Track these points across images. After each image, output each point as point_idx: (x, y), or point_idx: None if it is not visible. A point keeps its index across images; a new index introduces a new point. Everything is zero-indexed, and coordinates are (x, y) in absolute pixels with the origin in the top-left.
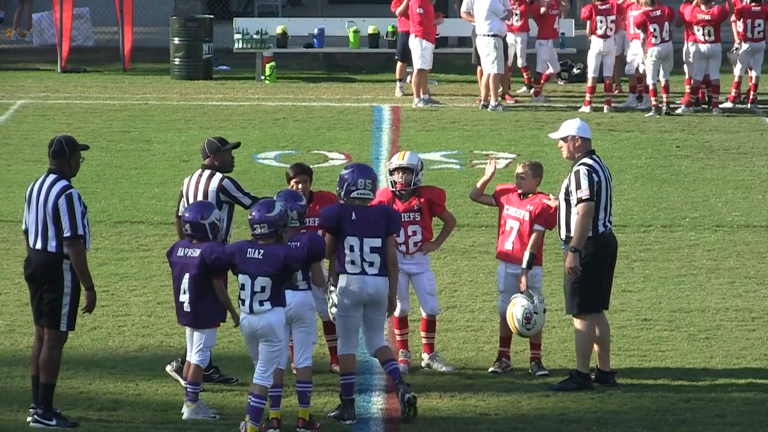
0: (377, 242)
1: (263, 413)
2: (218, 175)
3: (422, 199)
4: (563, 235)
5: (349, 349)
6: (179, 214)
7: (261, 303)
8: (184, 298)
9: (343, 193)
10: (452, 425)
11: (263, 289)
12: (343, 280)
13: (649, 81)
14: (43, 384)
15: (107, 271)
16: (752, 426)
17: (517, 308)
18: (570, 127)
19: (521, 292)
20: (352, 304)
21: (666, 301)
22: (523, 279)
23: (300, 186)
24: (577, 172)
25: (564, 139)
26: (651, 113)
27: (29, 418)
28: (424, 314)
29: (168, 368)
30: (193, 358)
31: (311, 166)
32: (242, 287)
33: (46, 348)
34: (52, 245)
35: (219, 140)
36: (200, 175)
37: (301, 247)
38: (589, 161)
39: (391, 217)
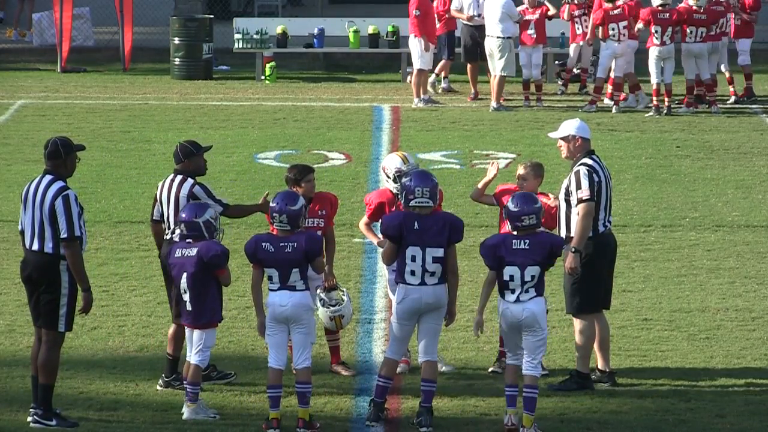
0: (440, 252)
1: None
2: (189, 181)
3: None
4: (563, 235)
5: (396, 356)
6: (154, 218)
7: (527, 291)
8: (186, 297)
9: (403, 201)
10: (452, 425)
11: (533, 278)
12: (401, 290)
13: (653, 81)
14: (42, 385)
15: (107, 271)
16: (752, 426)
17: None
18: (570, 126)
19: None
20: (409, 314)
21: (666, 301)
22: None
23: (309, 185)
24: (578, 173)
25: (564, 138)
26: (651, 113)
27: (29, 419)
28: None
29: (158, 387)
30: (192, 358)
31: (311, 166)
32: (511, 278)
33: (45, 349)
34: (48, 246)
35: (192, 144)
36: (172, 180)
37: (299, 247)
38: (589, 161)
39: (454, 226)
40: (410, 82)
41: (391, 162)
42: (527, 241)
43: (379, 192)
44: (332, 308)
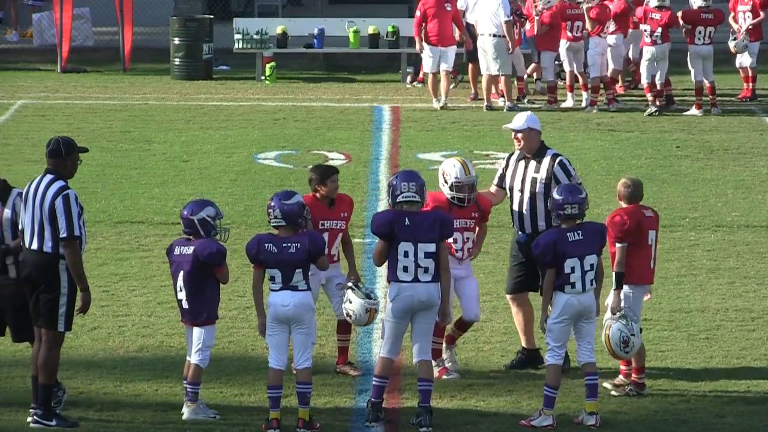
0: (431, 247)
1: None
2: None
3: (478, 209)
4: (528, 229)
5: (391, 355)
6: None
7: (591, 282)
8: (182, 295)
9: (391, 199)
10: (452, 425)
11: (592, 267)
12: (394, 288)
13: (643, 81)
14: (42, 385)
15: (107, 271)
16: (752, 426)
17: (613, 331)
18: (526, 119)
19: (613, 314)
20: (403, 313)
21: (666, 301)
22: (614, 299)
23: (333, 185)
24: (562, 162)
25: (522, 131)
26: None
27: (29, 419)
28: (465, 318)
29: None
30: (193, 358)
31: (336, 167)
32: (572, 270)
33: (44, 349)
34: (48, 245)
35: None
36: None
37: (302, 248)
38: (558, 152)
39: (444, 222)
40: (409, 83)
41: (451, 169)
42: (579, 231)
43: (434, 195)
44: (369, 300)
